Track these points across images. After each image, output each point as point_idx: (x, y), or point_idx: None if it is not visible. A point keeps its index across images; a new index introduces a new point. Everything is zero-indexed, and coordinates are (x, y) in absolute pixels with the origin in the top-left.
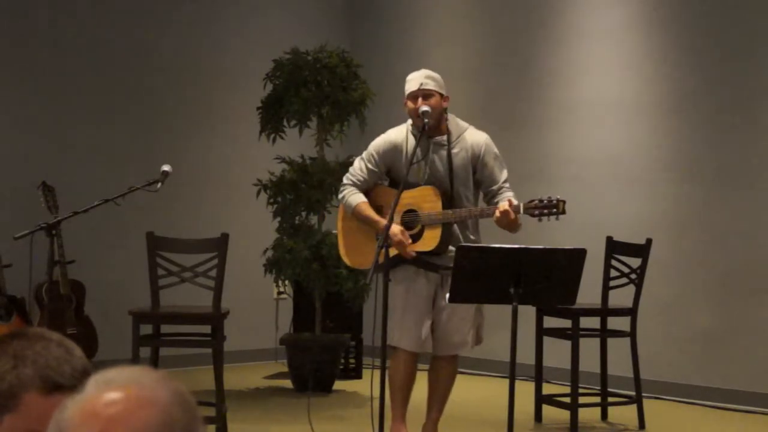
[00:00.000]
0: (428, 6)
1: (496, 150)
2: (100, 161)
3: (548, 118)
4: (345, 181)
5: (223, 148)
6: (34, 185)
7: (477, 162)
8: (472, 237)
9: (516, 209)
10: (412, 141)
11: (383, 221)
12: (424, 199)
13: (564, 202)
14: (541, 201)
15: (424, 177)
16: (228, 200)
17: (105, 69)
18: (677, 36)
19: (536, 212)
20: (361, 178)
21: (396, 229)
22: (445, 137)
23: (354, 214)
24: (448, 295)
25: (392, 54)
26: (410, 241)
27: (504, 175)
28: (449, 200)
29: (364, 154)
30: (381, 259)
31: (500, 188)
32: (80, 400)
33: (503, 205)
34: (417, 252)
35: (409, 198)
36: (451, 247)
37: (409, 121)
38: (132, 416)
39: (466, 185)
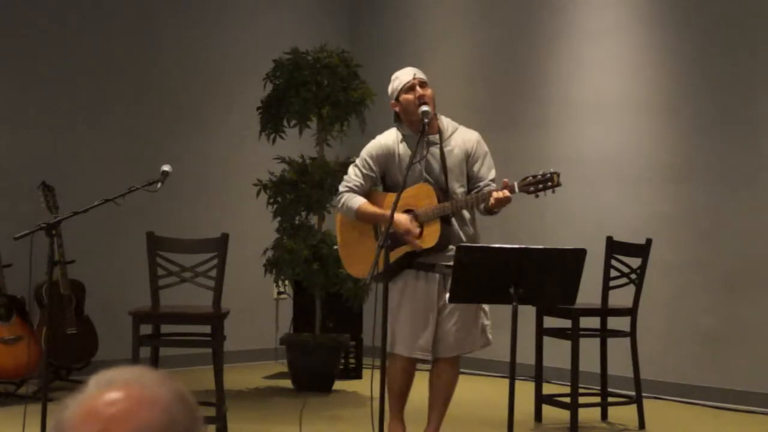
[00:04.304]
0: (428, 6)
1: (486, 148)
2: (100, 161)
3: (548, 118)
4: (341, 189)
5: (223, 148)
6: (34, 185)
7: (469, 158)
8: (471, 231)
9: (512, 189)
10: (404, 144)
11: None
12: (420, 198)
13: (558, 174)
14: (534, 177)
15: (421, 176)
16: (228, 200)
17: (105, 69)
18: (677, 36)
19: (532, 189)
20: (358, 183)
21: (402, 217)
22: (437, 136)
23: (358, 216)
24: (448, 296)
25: (392, 54)
26: (419, 230)
27: (492, 174)
28: (445, 196)
29: (358, 161)
30: (382, 261)
31: (487, 185)
32: (81, 399)
33: (498, 193)
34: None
35: (405, 198)
36: (450, 246)
37: (395, 128)
38: (133, 416)
39: (460, 181)
